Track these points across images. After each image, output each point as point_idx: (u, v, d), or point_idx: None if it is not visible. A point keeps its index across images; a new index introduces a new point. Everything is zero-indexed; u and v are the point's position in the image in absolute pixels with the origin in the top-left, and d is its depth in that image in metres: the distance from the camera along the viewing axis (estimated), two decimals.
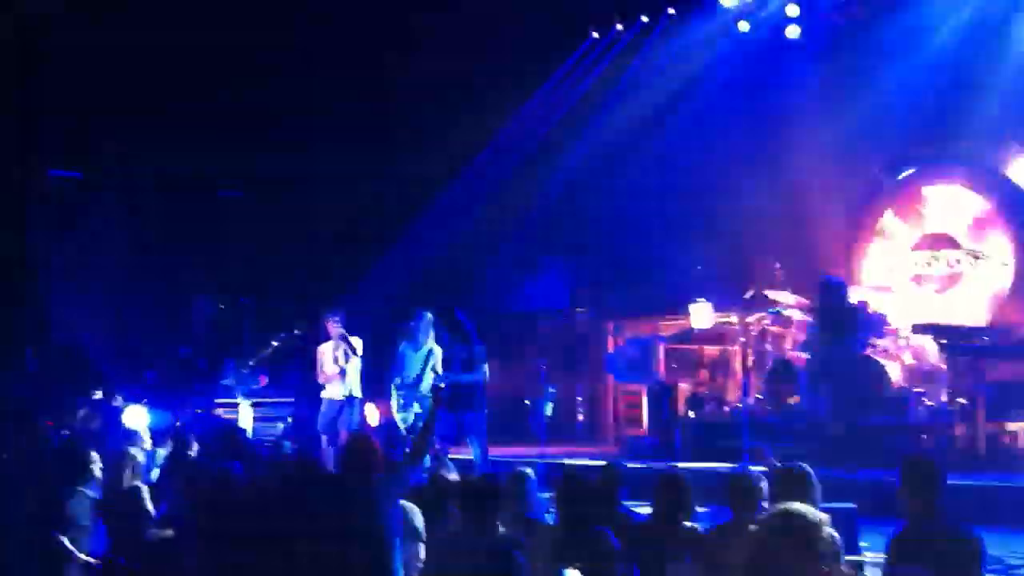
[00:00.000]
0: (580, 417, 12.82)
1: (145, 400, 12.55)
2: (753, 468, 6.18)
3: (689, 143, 14.27)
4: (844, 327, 10.40)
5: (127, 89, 14.19)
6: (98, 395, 10.21)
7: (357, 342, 11.35)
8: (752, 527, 3.50)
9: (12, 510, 7.04)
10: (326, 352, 11.41)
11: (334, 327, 11.35)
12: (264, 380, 13.42)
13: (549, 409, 11.16)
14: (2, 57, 13.40)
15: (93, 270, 16.22)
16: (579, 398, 12.87)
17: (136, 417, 11.75)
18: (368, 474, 5.36)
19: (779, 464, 5.84)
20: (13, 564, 6.57)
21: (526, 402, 12.20)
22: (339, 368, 11.28)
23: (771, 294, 12.04)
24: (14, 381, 14.18)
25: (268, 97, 14.41)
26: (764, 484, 5.23)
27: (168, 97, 14.25)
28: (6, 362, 14.46)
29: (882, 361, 10.71)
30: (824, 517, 3.30)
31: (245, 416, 12.60)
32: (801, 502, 4.80)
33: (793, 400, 11.44)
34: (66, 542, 6.56)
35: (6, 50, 13.47)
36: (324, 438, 11.18)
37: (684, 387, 12.51)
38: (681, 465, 9.13)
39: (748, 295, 12.16)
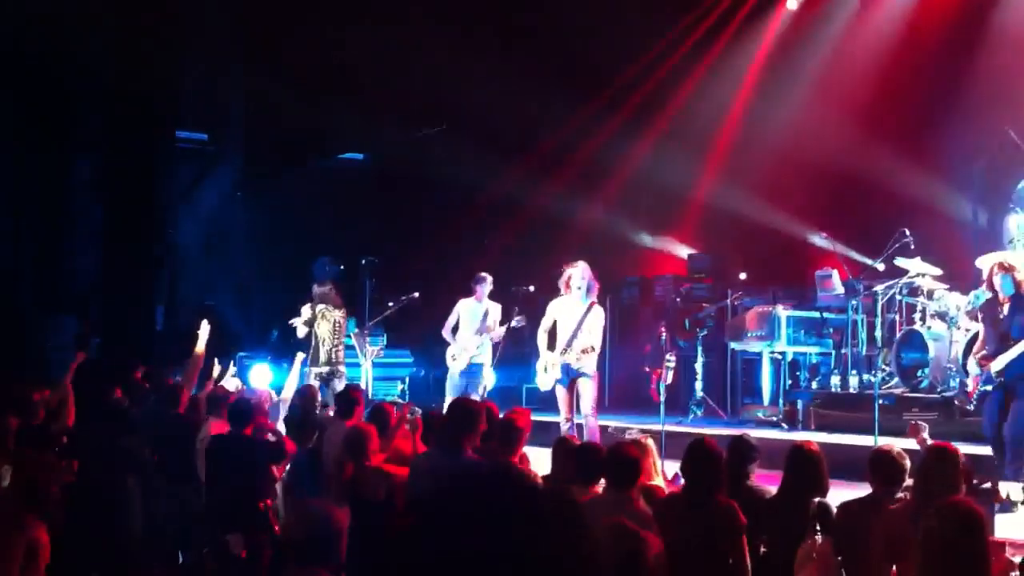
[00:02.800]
0: (698, 385, 12.61)
1: (269, 358, 12.85)
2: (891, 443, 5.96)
3: (814, 104, 13.87)
4: None
5: (256, 51, 14.43)
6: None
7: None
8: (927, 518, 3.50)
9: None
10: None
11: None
12: (383, 340, 13.59)
13: (669, 377, 11.01)
14: (133, 19, 13.74)
15: (219, 231, 16.64)
16: (697, 366, 12.67)
17: (261, 376, 12.02)
18: None
19: (930, 441, 5.65)
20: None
21: (645, 369, 12.07)
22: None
23: (901, 262, 11.64)
24: (144, 338, 14.70)
25: (391, 65, 14.46)
26: (907, 461, 5.07)
27: (296, 59, 14.41)
28: (137, 319, 14.99)
29: None
30: None
31: (365, 376, 12.77)
32: (950, 482, 4.68)
33: (920, 371, 11.09)
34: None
35: (136, 12, 13.80)
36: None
37: (807, 356, 12.24)
38: (808, 437, 8.94)
39: (877, 262, 11.78)
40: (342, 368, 11.43)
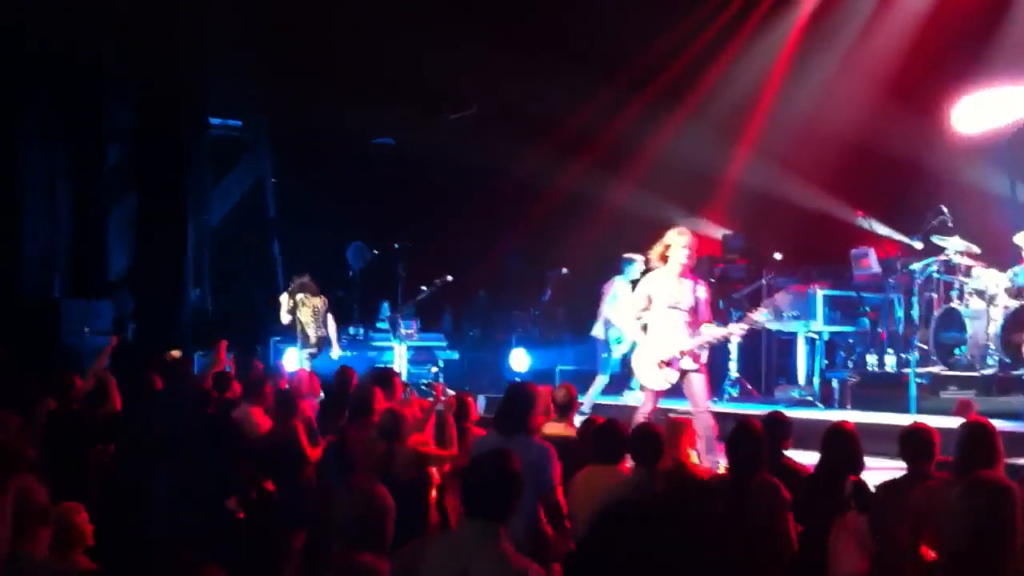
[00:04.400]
0: (732, 366, 12.53)
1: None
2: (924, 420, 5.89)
3: (846, 80, 13.71)
4: None
5: (280, 38, 14.41)
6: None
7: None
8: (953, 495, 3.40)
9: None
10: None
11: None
12: (416, 324, 13.62)
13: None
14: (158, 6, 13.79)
15: (252, 216, 16.71)
16: (731, 346, 12.57)
17: (293, 359, 12.09)
18: None
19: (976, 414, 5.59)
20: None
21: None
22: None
23: (939, 240, 11.48)
24: (178, 323, 14.81)
25: (414, 49, 14.39)
26: (936, 437, 5.04)
27: (320, 47, 14.39)
28: (171, 305, 15.10)
29: None
30: None
31: (399, 359, 12.82)
32: (985, 458, 4.61)
33: (958, 350, 10.94)
34: None
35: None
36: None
37: (844, 335, 12.13)
38: (843, 416, 8.87)
39: (914, 240, 11.64)
40: (330, 347, 12.50)
